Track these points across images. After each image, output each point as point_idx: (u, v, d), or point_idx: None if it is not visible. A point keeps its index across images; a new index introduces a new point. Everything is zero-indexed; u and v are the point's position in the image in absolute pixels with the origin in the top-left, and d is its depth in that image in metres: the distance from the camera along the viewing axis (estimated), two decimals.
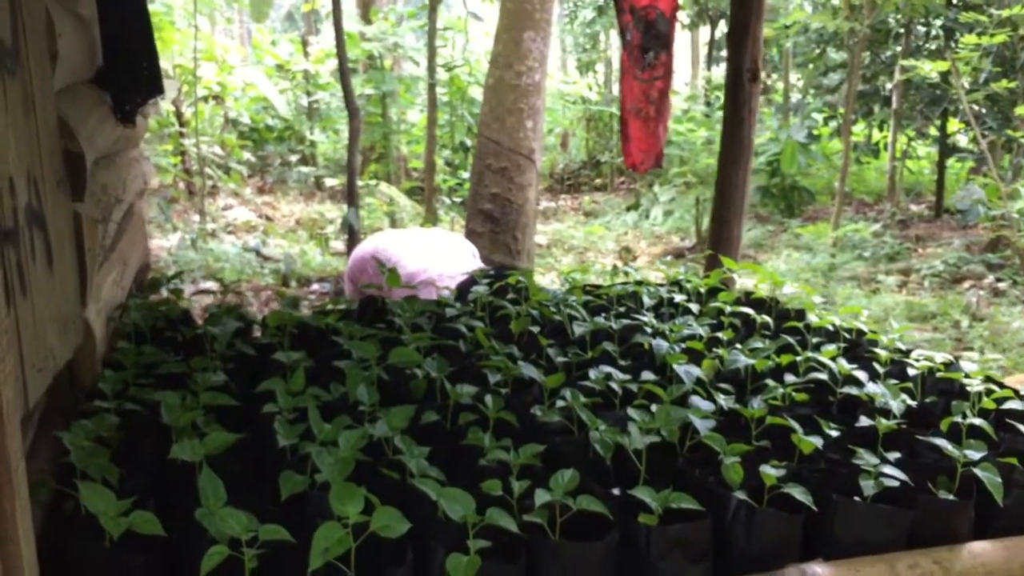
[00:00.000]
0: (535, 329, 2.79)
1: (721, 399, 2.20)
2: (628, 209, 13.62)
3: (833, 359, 2.46)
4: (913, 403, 2.24)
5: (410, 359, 2.28)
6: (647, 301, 2.99)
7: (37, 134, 1.94)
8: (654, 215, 13.17)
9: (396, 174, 12.66)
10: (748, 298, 3.11)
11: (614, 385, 2.27)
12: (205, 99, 13.56)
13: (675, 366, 2.33)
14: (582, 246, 11.55)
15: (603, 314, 2.96)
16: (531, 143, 6.94)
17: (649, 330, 2.69)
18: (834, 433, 2.08)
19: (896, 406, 2.14)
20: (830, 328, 2.79)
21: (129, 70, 3.00)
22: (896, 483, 1.83)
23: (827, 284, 8.86)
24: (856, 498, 1.82)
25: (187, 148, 11.22)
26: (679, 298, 2.98)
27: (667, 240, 12.30)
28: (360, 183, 12.49)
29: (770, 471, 1.81)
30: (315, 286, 8.93)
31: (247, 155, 14.08)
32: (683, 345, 2.51)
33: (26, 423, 1.97)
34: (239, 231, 11.18)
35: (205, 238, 9.56)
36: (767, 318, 2.81)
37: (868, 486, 1.80)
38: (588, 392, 2.25)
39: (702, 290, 3.17)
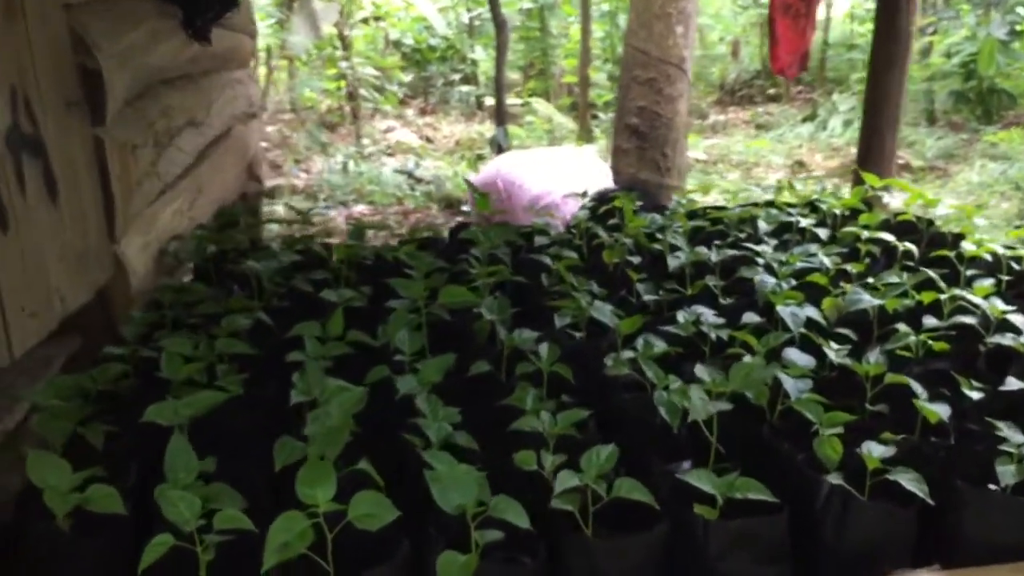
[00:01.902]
0: (636, 260, 2.44)
1: (832, 349, 1.79)
2: (804, 120, 12.71)
3: (987, 298, 1.99)
4: None
5: (463, 298, 1.98)
6: (763, 227, 2.56)
7: (30, 49, 1.73)
8: (832, 126, 12.24)
9: (555, 90, 12.27)
10: (895, 221, 2.63)
11: (705, 330, 1.90)
12: (365, 21, 13.53)
13: (779, 307, 1.93)
14: (750, 161, 10.88)
15: (716, 242, 2.57)
16: (681, 51, 6.39)
17: (762, 262, 2.28)
18: (975, 396, 1.64)
19: None
20: (990, 258, 2.29)
21: None
22: None
23: None
24: (991, 487, 1.40)
25: (344, 71, 11.21)
26: (806, 222, 2.54)
27: (845, 153, 11.39)
28: (519, 101, 12.21)
29: (875, 449, 1.42)
30: (465, 208, 8.75)
31: (409, 76, 14.03)
32: (793, 282, 2.10)
33: (35, 371, 1.81)
34: (399, 153, 11.15)
35: (357, 161, 9.54)
36: (911, 246, 2.33)
37: (1007, 472, 1.38)
38: (672, 339, 1.89)
39: (839, 212, 2.70)
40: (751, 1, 14.39)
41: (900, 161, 10.62)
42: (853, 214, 2.73)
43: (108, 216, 2.03)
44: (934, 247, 2.42)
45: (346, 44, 12.20)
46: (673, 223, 2.58)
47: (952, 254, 2.26)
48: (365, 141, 11.40)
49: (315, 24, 12.14)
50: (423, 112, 13.50)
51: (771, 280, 2.06)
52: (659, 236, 2.52)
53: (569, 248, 2.56)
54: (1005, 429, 1.45)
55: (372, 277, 2.43)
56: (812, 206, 2.79)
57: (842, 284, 2.17)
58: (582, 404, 1.77)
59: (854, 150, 11.35)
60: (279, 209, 8.45)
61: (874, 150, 3.48)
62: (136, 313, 1.99)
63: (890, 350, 1.83)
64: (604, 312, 1.95)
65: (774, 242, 2.52)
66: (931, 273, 2.06)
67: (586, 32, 9.07)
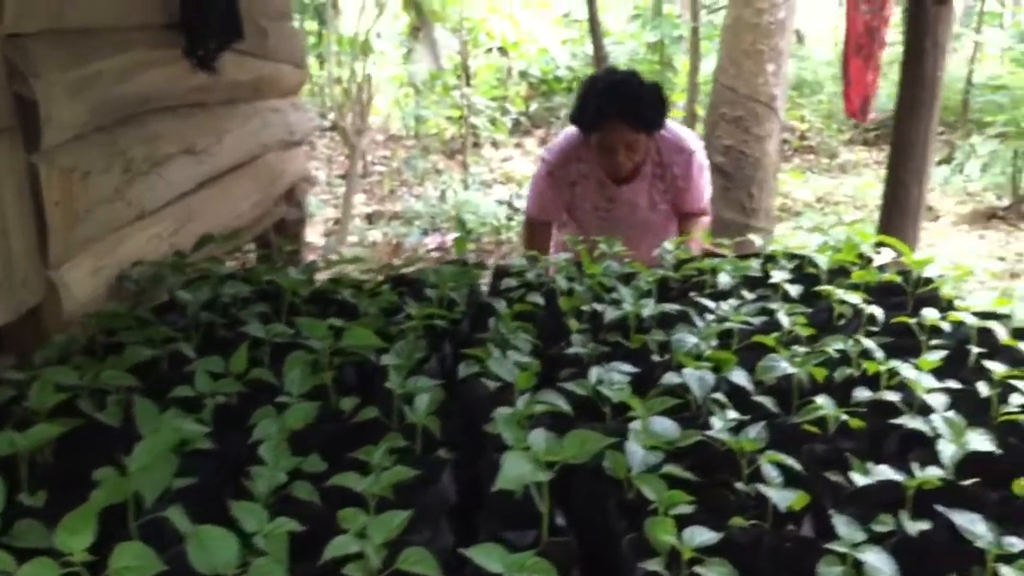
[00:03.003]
0: (600, 307, 2.33)
1: (723, 419, 1.65)
2: (940, 163, 12.15)
3: (934, 372, 1.81)
4: (995, 450, 1.55)
5: (366, 342, 1.94)
6: (725, 280, 2.41)
7: None
8: (969, 170, 11.64)
9: None
10: (880, 281, 2.42)
11: (605, 390, 1.79)
12: (489, 51, 13.74)
13: (687, 371, 1.80)
14: (872, 203, 10.47)
15: (693, 294, 2.44)
16: (771, 89, 6.20)
17: (711, 316, 2.15)
18: (861, 482, 1.49)
19: (950, 452, 1.49)
20: (969, 323, 2.08)
21: (201, 13, 2.85)
22: None
23: None
24: None
25: (458, 100, 11.38)
26: (778, 276, 2.38)
27: (980, 198, 10.83)
28: None
29: (698, 536, 1.30)
30: None
31: (534, 106, 14.15)
32: (714, 342, 1.96)
33: None
34: (510, 182, 11.23)
35: (456, 189, 9.64)
36: (876, 310, 2.15)
37: None
38: (574, 398, 1.79)
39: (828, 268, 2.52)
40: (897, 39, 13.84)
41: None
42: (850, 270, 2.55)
43: (41, 241, 2.09)
44: (918, 311, 2.23)
45: (468, 74, 12.38)
46: (637, 272, 2.47)
47: (913, 321, 2.07)
48: (479, 169, 11.52)
49: (436, 53, 12.39)
50: (544, 142, 13.56)
51: (690, 339, 1.93)
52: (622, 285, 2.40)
53: (540, 292, 2.48)
54: (842, 525, 1.30)
55: (332, 314, 2.42)
56: (807, 260, 2.61)
57: (794, 347, 2.02)
58: (459, 461, 1.71)
59: (990, 195, 10.78)
60: (376, 234, 8.64)
61: (899, 202, 3.24)
62: (59, 337, 2.03)
63: (796, 424, 1.69)
64: (505, 365, 1.87)
65: (752, 295, 2.37)
66: (867, 342, 1.89)
67: (694, 68, 8.90)
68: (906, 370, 1.79)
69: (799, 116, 13.89)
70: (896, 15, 13.66)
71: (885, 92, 14.78)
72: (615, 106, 3.16)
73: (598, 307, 2.33)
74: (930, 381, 1.73)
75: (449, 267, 2.52)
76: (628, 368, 1.91)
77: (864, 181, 11.48)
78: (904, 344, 2.05)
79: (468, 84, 11.94)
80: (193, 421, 1.66)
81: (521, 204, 9.40)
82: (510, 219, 8.95)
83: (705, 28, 11.70)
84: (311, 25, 12.75)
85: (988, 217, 10.13)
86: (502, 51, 13.84)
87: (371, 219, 9.03)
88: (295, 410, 1.69)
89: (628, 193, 3.43)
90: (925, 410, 1.69)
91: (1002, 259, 8.49)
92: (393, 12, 13.62)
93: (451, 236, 8.49)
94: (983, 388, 1.75)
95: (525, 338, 2.09)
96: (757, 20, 6.12)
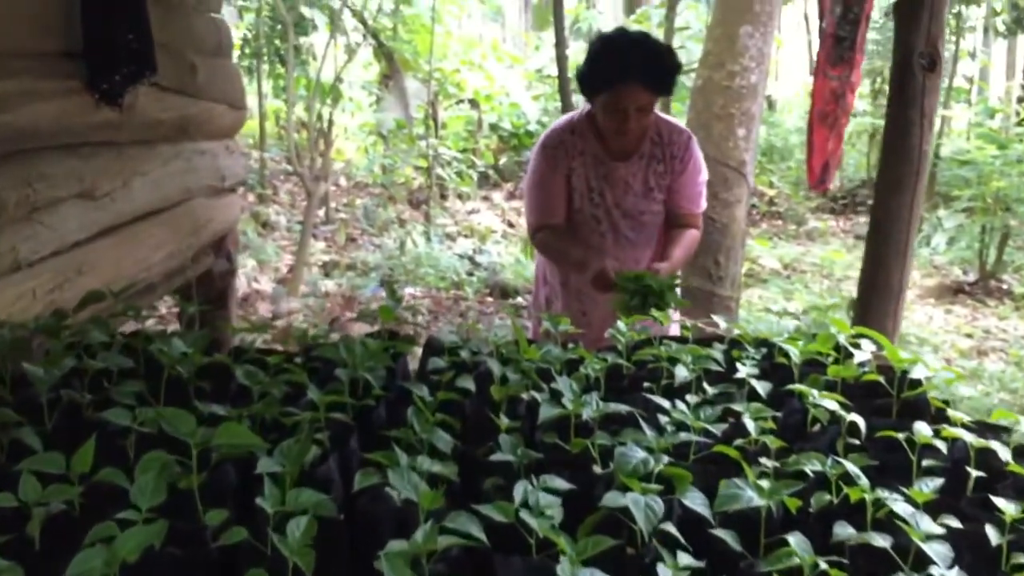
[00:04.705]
0: (537, 396, 2.00)
1: (673, 566, 1.32)
2: None
3: (927, 506, 1.49)
4: None
5: (241, 441, 1.59)
6: (682, 374, 2.08)
7: None
8: (936, 243, 11.55)
9: None
10: (860, 379, 2.11)
11: (529, 519, 1.45)
12: (459, 102, 13.56)
13: (630, 496, 1.46)
14: (838, 273, 10.29)
15: (643, 385, 2.11)
16: (742, 154, 5.96)
17: (666, 420, 1.83)
18: None
19: None
20: (966, 441, 1.77)
21: (106, 41, 2.52)
22: None
23: None
24: None
25: (424, 151, 11.14)
26: (744, 371, 2.06)
27: (946, 272, 10.72)
28: None
29: None
30: (520, 299, 8.43)
31: (504, 159, 13.97)
32: (665, 458, 1.62)
33: None
34: (474, 236, 10.97)
35: (416, 241, 9.34)
36: (857, 419, 1.83)
37: None
38: (490, 525, 1.45)
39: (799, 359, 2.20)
40: (864, 109, 13.85)
41: (1003, 286, 9.86)
42: (830, 363, 2.23)
43: None
44: (906, 416, 1.91)
45: (437, 124, 12.17)
46: (583, 359, 2.14)
47: (903, 436, 1.75)
48: (444, 221, 11.27)
49: (406, 102, 12.15)
50: (512, 196, 13.35)
51: (638, 454, 1.60)
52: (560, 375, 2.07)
53: (473, 375, 2.15)
54: None
55: (229, 394, 2.07)
56: (772, 347, 2.29)
57: (761, 460, 1.70)
58: None
59: (956, 270, 10.63)
60: (330, 284, 8.29)
61: (879, 283, 2.93)
62: None
63: (764, 573, 1.36)
64: (409, 477, 1.52)
65: (714, 390, 2.05)
66: (850, 465, 1.56)
67: None
68: (897, 504, 1.47)
69: (768, 182, 13.81)
70: (864, 84, 13.63)
71: (854, 161, 14.81)
72: (636, 65, 2.93)
73: (538, 396, 2.00)
74: (928, 524, 1.41)
75: (372, 340, 2.18)
76: (562, 484, 1.57)
77: (831, 249, 11.32)
78: (890, 461, 1.73)
79: (436, 135, 11.72)
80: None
81: (483, 259, 9.11)
82: (470, 274, 8.65)
83: (677, 89, 11.59)
84: (280, 69, 12.51)
85: (955, 291, 10.00)
86: (473, 103, 13.67)
87: (327, 268, 8.69)
88: (131, 535, 1.33)
89: (624, 171, 3.21)
90: (922, 559, 1.36)
91: (969, 336, 8.30)
92: (365, 60, 13.44)
93: (408, 290, 8.16)
94: (992, 534, 1.43)
95: (444, 437, 1.75)
96: (729, 83, 5.91)
